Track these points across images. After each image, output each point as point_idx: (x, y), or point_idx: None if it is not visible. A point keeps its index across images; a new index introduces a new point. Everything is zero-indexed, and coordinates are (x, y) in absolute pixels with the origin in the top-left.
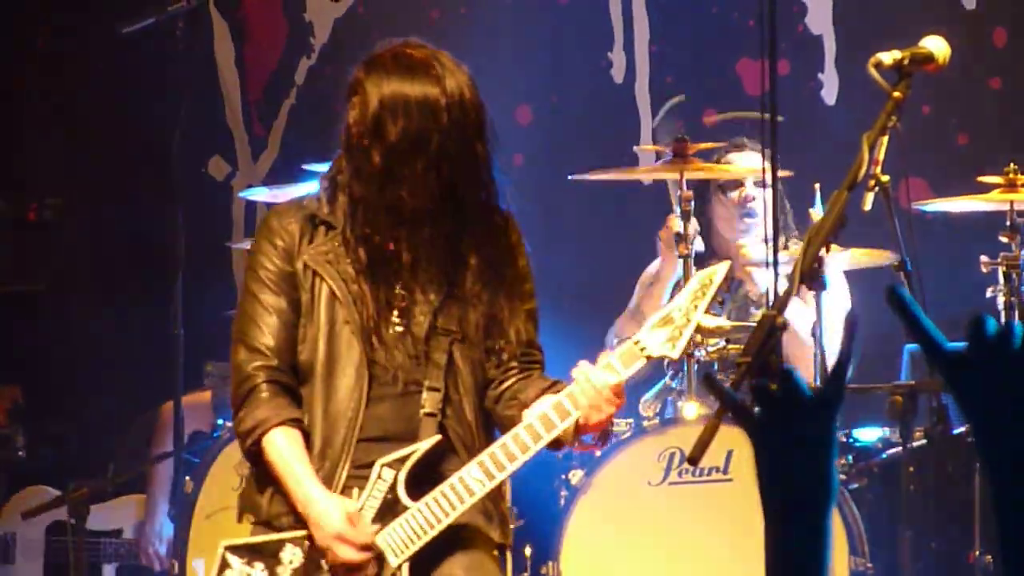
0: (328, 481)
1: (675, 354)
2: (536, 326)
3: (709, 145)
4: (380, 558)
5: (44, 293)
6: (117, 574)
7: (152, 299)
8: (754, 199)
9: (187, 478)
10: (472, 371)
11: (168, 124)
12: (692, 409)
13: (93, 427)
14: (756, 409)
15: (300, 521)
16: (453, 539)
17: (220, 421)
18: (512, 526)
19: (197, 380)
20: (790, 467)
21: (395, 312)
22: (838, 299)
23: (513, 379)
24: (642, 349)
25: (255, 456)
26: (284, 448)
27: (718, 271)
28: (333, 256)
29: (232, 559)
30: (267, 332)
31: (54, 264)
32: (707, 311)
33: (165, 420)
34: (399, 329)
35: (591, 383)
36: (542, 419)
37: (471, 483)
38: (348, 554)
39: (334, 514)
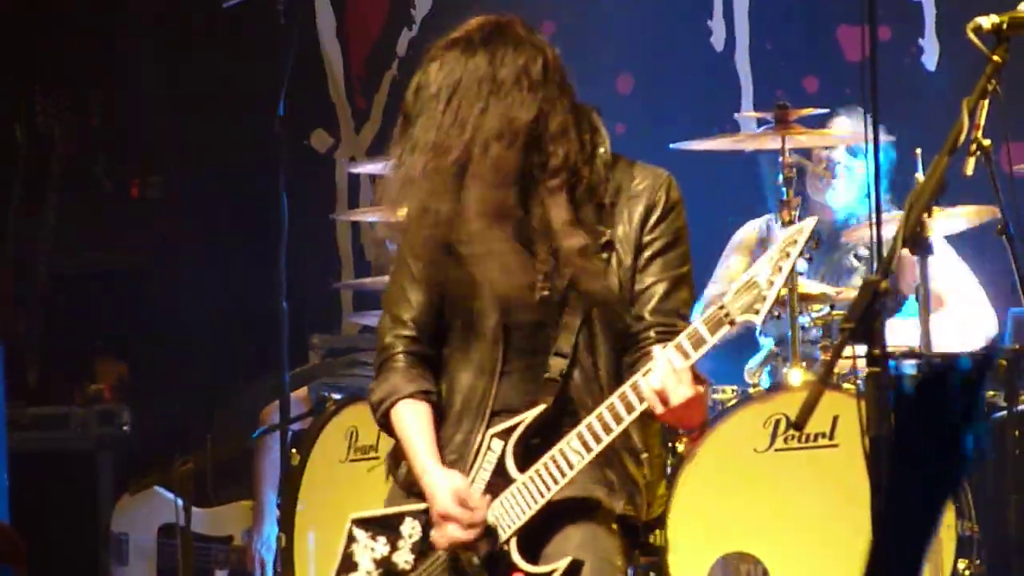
0: (466, 447)
1: (759, 319)
2: (685, 294)
3: (809, 111)
4: (492, 532)
5: (148, 268)
6: None
7: (256, 272)
8: (838, 163)
9: (293, 450)
10: (611, 338)
11: (270, 97)
12: (797, 375)
13: (198, 401)
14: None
15: None
16: (569, 512)
17: (325, 393)
18: None
19: (302, 352)
20: (930, 439)
21: (536, 276)
22: (948, 264)
23: (648, 349)
24: (727, 315)
25: (385, 427)
26: (408, 420)
27: (803, 230)
28: None
29: (358, 532)
30: (410, 301)
31: (157, 239)
32: (792, 270)
33: (266, 421)
34: (542, 294)
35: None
36: (634, 388)
37: (570, 455)
38: (455, 533)
39: (443, 492)
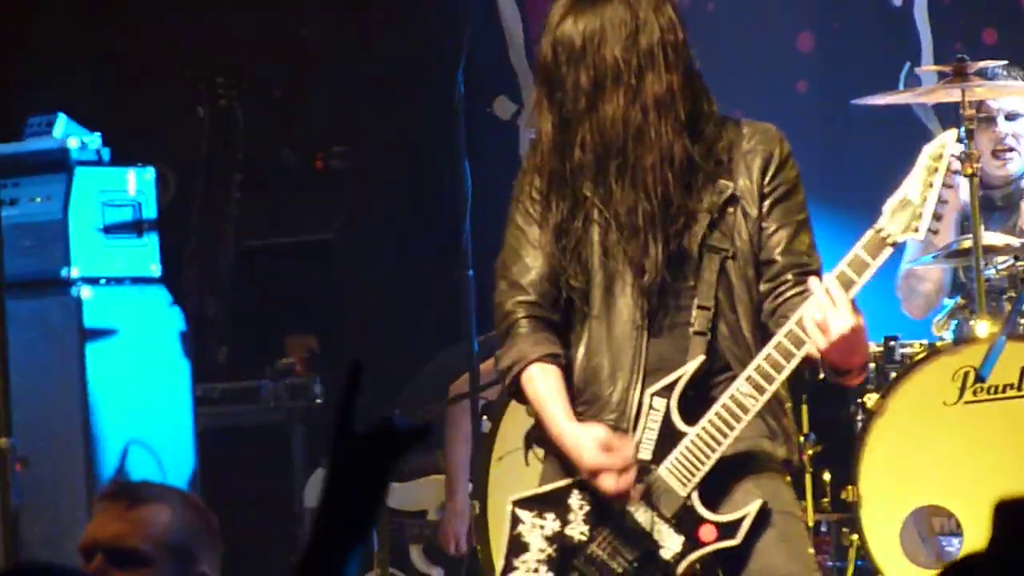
0: (624, 406)
1: (920, 235)
2: (810, 237)
3: (989, 63)
4: (670, 489)
5: (334, 241)
6: (425, 555)
7: (440, 242)
8: (1007, 135)
9: (484, 417)
10: (748, 289)
11: (451, 65)
12: (984, 327)
13: (388, 372)
14: None
15: None
16: (742, 464)
17: None
18: (810, 452)
19: (490, 321)
20: None
21: (667, 233)
22: None
23: (788, 294)
24: (886, 237)
25: (516, 393)
26: (540, 384)
27: (946, 143)
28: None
29: (522, 513)
30: (528, 266)
31: (342, 212)
32: (944, 184)
33: (455, 393)
34: (672, 249)
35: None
36: (799, 324)
37: (743, 400)
38: (609, 484)
39: (586, 447)
